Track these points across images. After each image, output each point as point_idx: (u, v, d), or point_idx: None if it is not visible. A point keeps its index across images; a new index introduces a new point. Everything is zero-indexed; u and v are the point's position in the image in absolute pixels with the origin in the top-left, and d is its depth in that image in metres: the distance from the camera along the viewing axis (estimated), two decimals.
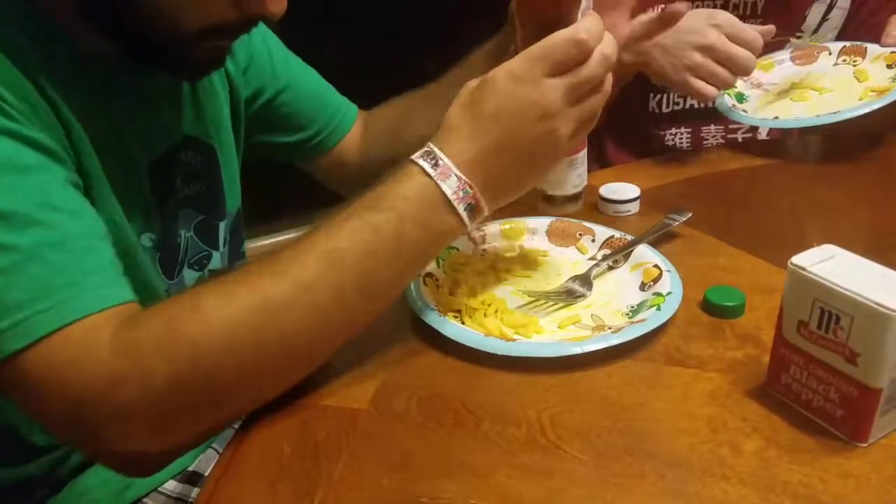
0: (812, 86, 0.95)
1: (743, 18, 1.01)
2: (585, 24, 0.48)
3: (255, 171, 0.77)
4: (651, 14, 0.71)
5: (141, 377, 0.42)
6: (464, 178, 0.48)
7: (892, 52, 0.93)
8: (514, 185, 0.51)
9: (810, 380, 0.44)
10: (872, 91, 0.90)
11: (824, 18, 1.05)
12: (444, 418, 0.47)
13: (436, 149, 0.49)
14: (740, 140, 1.05)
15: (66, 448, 0.61)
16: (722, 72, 0.80)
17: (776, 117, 0.90)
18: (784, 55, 1.01)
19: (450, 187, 0.47)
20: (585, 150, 0.56)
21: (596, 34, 0.48)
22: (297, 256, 0.46)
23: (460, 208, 0.48)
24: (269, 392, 0.47)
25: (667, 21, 0.72)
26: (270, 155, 0.77)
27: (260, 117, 0.73)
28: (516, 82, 0.48)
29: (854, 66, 0.96)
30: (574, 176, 0.57)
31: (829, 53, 0.99)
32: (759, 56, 0.82)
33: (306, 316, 0.45)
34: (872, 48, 0.96)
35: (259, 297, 0.44)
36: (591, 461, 0.43)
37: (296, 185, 0.87)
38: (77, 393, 0.42)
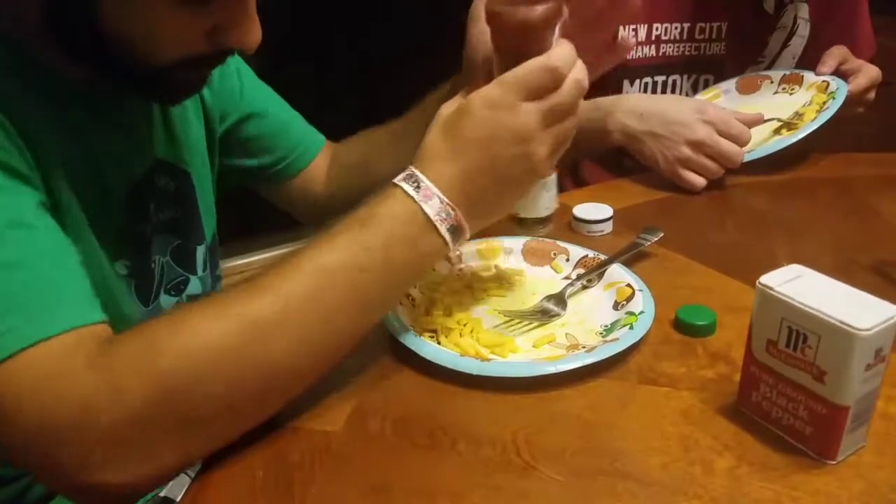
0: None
1: (708, 43, 1.04)
2: (558, 52, 0.49)
3: (229, 189, 0.76)
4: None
5: (113, 394, 0.39)
6: (446, 199, 0.48)
7: (823, 81, 0.96)
8: (495, 206, 0.52)
9: (780, 398, 0.45)
10: (778, 121, 0.93)
11: (785, 45, 1.09)
12: (419, 439, 0.47)
13: (417, 172, 0.49)
14: None
15: (32, 477, 0.59)
16: (711, 165, 0.86)
17: None
18: (730, 85, 1.03)
19: (432, 209, 0.48)
20: (556, 174, 0.57)
21: (568, 61, 0.49)
22: (285, 274, 0.45)
23: (443, 229, 0.48)
24: (250, 416, 0.45)
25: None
26: (232, 179, 0.77)
27: (224, 140, 0.73)
28: (492, 108, 0.49)
29: (791, 94, 0.99)
30: (546, 198, 0.59)
31: (771, 82, 1.02)
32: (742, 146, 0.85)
33: (294, 334, 0.44)
34: (808, 76, 0.99)
35: (246, 314, 0.43)
36: (565, 481, 0.43)
37: (269, 203, 0.86)
38: (48, 414, 0.39)
